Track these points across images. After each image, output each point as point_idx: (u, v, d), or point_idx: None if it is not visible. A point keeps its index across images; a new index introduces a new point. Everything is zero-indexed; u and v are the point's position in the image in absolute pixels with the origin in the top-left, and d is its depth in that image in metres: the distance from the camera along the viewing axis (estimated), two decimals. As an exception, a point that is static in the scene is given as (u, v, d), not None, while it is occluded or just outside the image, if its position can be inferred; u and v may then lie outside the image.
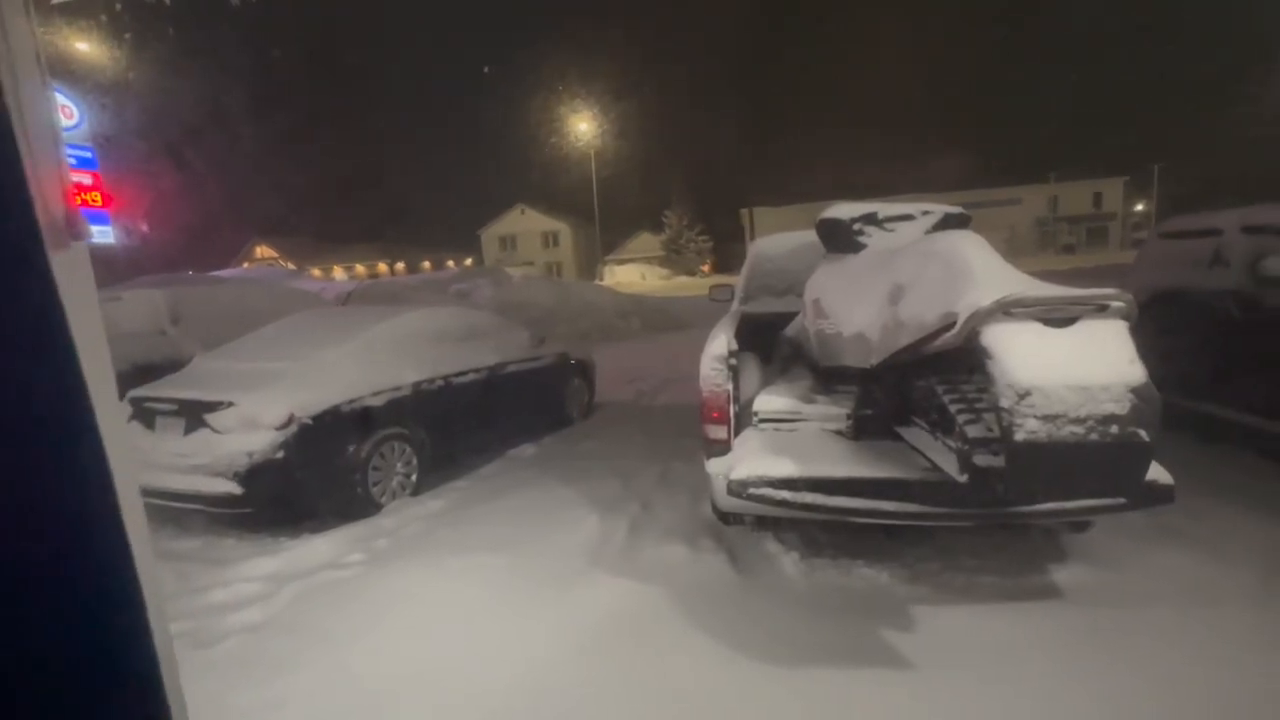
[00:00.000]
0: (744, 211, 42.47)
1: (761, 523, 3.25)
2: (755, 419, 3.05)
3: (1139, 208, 46.43)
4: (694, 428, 5.07)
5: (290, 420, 3.63)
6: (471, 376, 4.85)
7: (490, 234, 55.11)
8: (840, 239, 3.10)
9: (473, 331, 5.21)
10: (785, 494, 2.38)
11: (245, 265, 40.88)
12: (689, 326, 13.73)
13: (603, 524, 3.56)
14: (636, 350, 10.90)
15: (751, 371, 3.41)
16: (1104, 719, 1.93)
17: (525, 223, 53.99)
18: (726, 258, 52.61)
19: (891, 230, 2.99)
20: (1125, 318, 1.71)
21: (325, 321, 5.12)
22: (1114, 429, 1.61)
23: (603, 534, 3.45)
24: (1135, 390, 1.61)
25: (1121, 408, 1.60)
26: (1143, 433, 1.61)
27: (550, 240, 54.05)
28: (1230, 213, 4.28)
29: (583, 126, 36.36)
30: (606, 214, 39.09)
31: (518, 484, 4.39)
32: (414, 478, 4.33)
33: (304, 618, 2.77)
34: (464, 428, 4.84)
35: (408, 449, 4.29)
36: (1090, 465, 1.65)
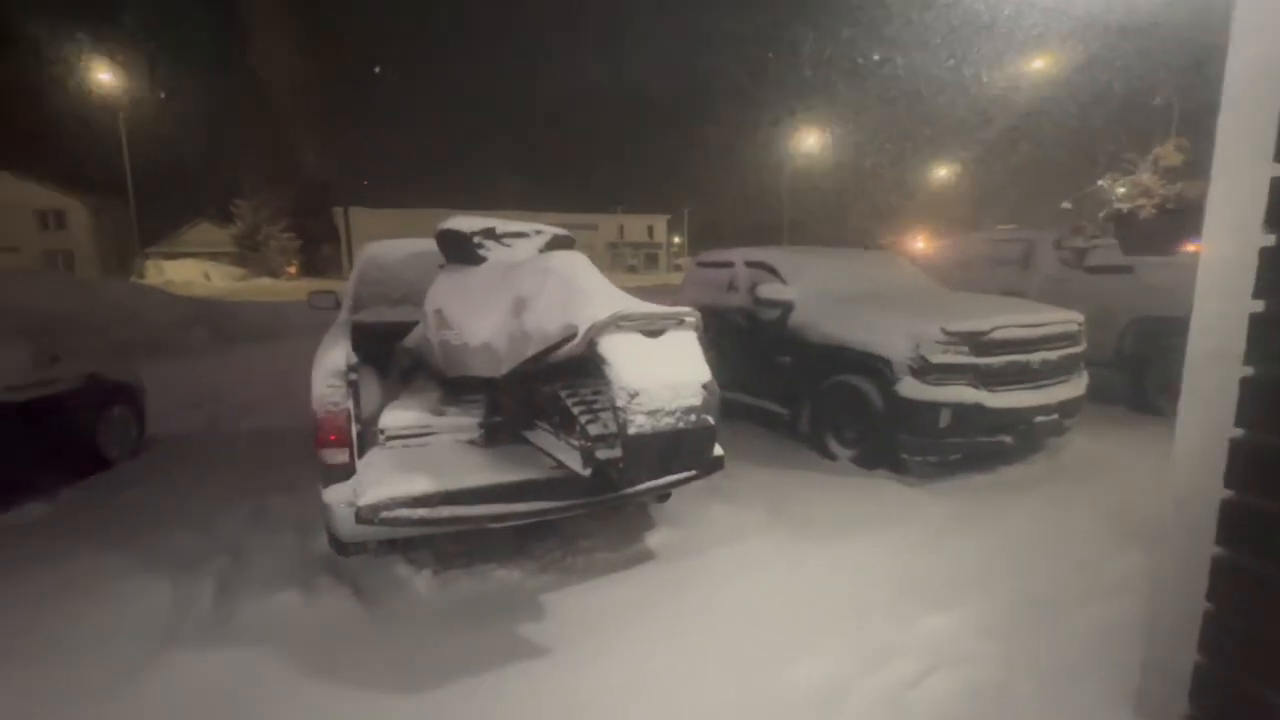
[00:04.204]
0: (339, 211, 38.85)
1: (388, 546, 3.04)
2: (382, 437, 2.84)
3: (676, 240, 59.39)
4: (295, 454, 4.47)
5: None
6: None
7: (-70, 204, 37.48)
8: (461, 251, 3.13)
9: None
10: (423, 512, 2.29)
11: None
12: (276, 336, 11.94)
13: (176, 589, 2.82)
14: (207, 367, 8.92)
15: (371, 386, 3.17)
16: (688, 647, 2.41)
17: (2, 193, 38.41)
18: (316, 260, 47.26)
19: (509, 246, 3.15)
20: (695, 330, 2.19)
21: None
22: (693, 417, 2.04)
23: (177, 602, 2.73)
24: (705, 385, 2.08)
25: (697, 399, 2.05)
26: (710, 418, 2.09)
27: (51, 221, 39.69)
28: (738, 250, 5.86)
29: (104, 76, 27.89)
30: (148, 193, 30.84)
31: (22, 561, 3.13)
32: None
33: None
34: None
35: None
36: (679, 447, 2.06)
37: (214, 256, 40.80)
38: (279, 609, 2.67)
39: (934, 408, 3.90)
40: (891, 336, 4.11)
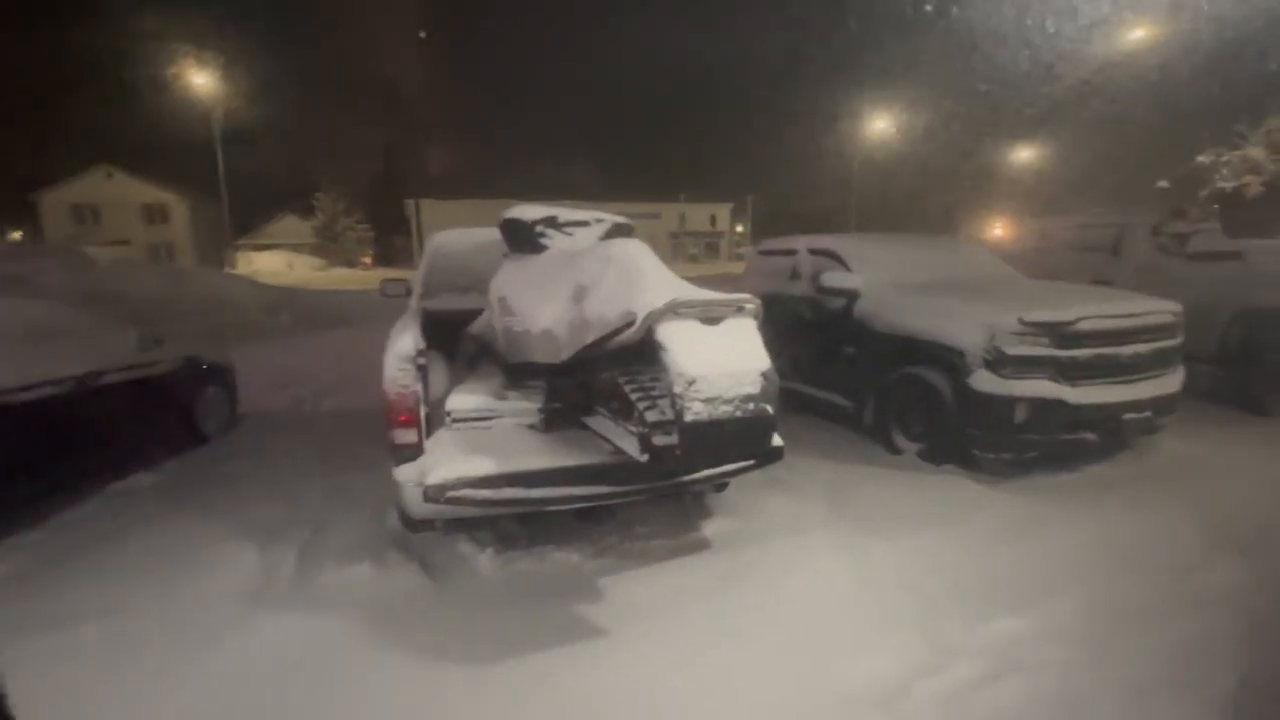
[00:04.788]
0: (410, 203, 40.38)
1: (454, 525, 3.16)
2: (449, 419, 2.95)
3: (739, 228, 58.48)
4: (370, 435, 4.69)
5: None
6: (44, 391, 3.61)
7: (56, 200, 41.25)
8: (523, 239, 3.19)
9: (40, 330, 3.88)
10: (486, 492, 2.36)
11: None
12: (353, 323, 12.50)
13: (263, 557, 3.02)
14: (291, 351, 9.47)
15: (439, 370, 3.29)
16: (742, 638, 2.40)
17: (114, 189, 41.78)
18: (389, 250, 49.21)
19: (570, 234, 3.19)
20: (755, 317, 2.16)
21: None
22: (751, 405, 2.02)
23: (264, 569, 2.93)
24: (764, 374, 2.06)
25: (756, 388, 2.02)
26: (769, 407, 2.06)
27: (155, 215, 42.94)
28: (801, 238, 5.72)
29: (200, 80, 29.81)
30: (238, 189, 32.83)
31: (130, 526, 3.43)
32: (-58, 541, 3.03)
33: None
34: (32, 461, 3.57)
35: (-72, 501, 2.98)
36: (736, 436, 2.04)
37: (296, 248, 43.20)
38: (354, 579, 2.82)
39: (1009, 402, 3.71)
40: (964, 327, 3.93)
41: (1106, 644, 2.28)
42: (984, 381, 3.78)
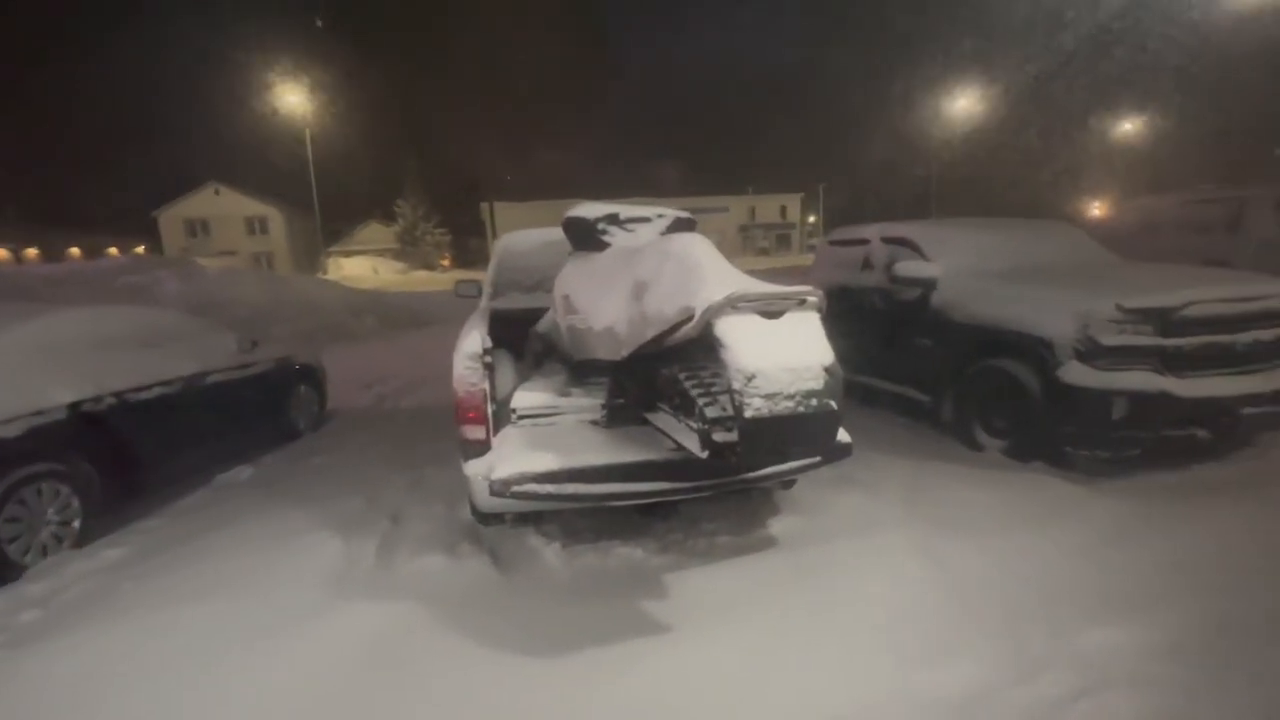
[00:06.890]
0: (484, 206, 41.78)
1: (522, 519, 3.24)
2: (514, 415, 3.02)
3: (811, 219, 56.92)
4: (446, 431, 4.87)
5: None
6: (158, 391, 3.96)
7: (172, 216, 45.32)
8: (585, 237, 3.22)
9: (156, 336, 4.26)
10: (549, 487, 2.41)
11: None
12: (432, 323, 13.08)
13: (346, 546, 3.20)
14: (374, 351, 10.00)
15: (506, 368, 3.38)
16: (811, 638, 2.34)
17: (221, 205, 45.47)
18: (466, 252, 51.02)
19: (632, 230, 3.19)
20: (818, 310, 2.09)
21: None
22: (814, 401, 1.96)
23: (347, 557, 3.10)
24: (827, 368, 1.99)
25: (819, 383, 1.96)
26: (833, 402, 1.99)
27: (256, 226, 46.40)
28: (873, 226, 5.50)
29: (292, 99, 31.91)
30: (328, 200, 34.94)
31: (231, 514, 3.71)
32: (76, 524, 3.39)
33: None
34: (150, 455, 3.93)
35: (63, 489, 3.34)
36: (799, 432, 1.98)
37: (380, 253, 45.62)
38: (429, 569, 2.94)
39: (1105, 396, 3.42)
40: (1053, 315, 3.66)
41: (1214, 663, 2.06)
42: (1076, 374, 3.51)
